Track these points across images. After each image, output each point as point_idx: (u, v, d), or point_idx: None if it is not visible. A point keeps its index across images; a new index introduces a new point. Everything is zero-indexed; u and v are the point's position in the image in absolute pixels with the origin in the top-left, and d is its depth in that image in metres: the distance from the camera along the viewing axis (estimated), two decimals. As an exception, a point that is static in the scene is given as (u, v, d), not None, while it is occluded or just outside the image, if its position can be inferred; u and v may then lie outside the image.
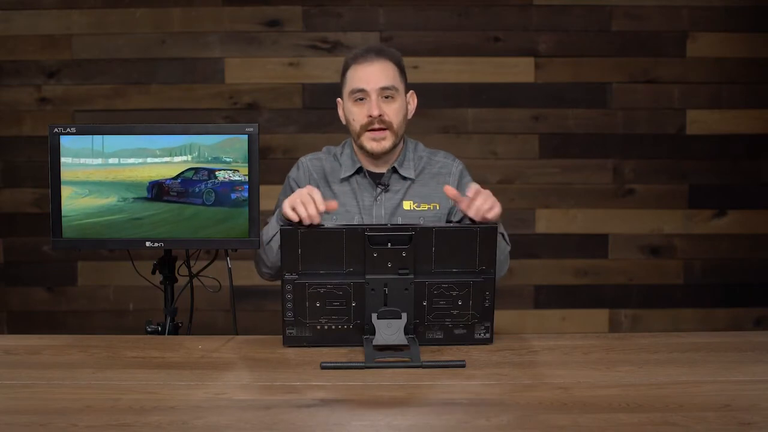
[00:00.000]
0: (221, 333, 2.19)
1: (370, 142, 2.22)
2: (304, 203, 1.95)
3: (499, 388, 1.68)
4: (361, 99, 2.21)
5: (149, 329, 2.25)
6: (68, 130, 2.19)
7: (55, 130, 2.19)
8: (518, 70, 3.54)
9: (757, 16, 3.52)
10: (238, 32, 3.52)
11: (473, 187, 2.00)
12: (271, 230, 2.20)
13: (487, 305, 1.94)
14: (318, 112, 3.54)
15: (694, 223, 3.58)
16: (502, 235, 2.20)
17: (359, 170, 2.30)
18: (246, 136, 2.19)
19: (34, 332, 3.40)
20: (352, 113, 2.23)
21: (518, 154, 3.55)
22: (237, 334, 2.18)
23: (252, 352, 1.97)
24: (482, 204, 1.97)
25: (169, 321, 2.27)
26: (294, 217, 1.96)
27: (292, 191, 2.29)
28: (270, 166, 3.40)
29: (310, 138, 3.49)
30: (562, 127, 3.55)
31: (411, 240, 1.90)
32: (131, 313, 3.54)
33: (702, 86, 3.55)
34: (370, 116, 2.20)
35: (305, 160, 2.37)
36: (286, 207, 1.97)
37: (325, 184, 2.31)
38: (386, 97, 2.21)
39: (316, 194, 1.97)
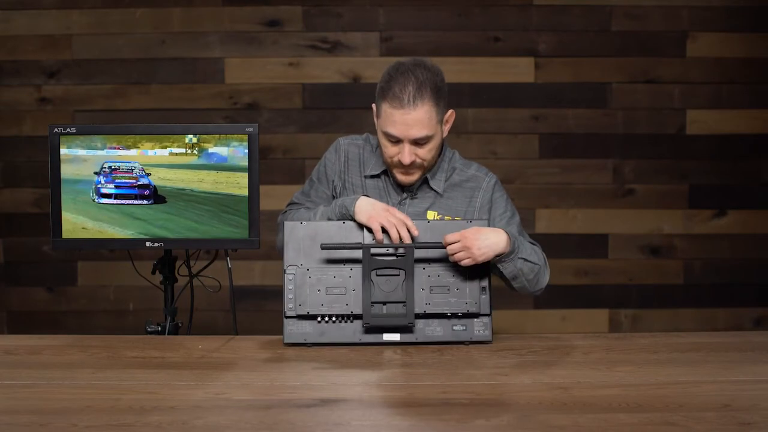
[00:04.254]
0: (221, 333, 2.20)
1: (399, 175, 2.18)
2: (397, 226, 2.01)
3: (499, 388, 1.68)
4: (394, 141, 2.13)
5: (149, 329, 2.25)
6: (68, 130, 2.19)
7: (55, 130, 2.19)
8: (518, 70, 3.54)
9: (757, 16, 3.52)
10: (238, 32, 3.52)
11: (455, 235, 2.00)
12: (319, 216, 2.17)
13: (484, 296, 1.96)
14: (318, 112, 3.54)
15: (694, 223, 3.58)
16: (523, 258, 2.13)
17: (385, 172, 2.25)
18: (246, 136, 2.20)
19: (34, 332, 3.40)
20: (384, 146, 2.16)
21: (518, 154, 3.55)
22: (237, 334, 2.18)
23: (252, 352, 1.97)
24: (454, 250, 1.99)
25: (169, 321, 2.27)
26: (380, 237, 2.01)
27: (325, 171, 2.30)
28: (270, 166, 3.41)
29: (310, 138, 3.49)
30: (562, 127, 3.55)
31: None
32: (131, 313, 3.54)
33: (702, 86, 3.55)
34: (401, 162, 2.13)
35: (344, 143, 2.31)
36: (374, 223, 2.02)
37: (358, 172, 2.27)
38: (420, 142, 2.12)
39: (409, 221, 2.03)
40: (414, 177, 2.18)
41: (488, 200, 2.24)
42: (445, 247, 1.98)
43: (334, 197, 2.26)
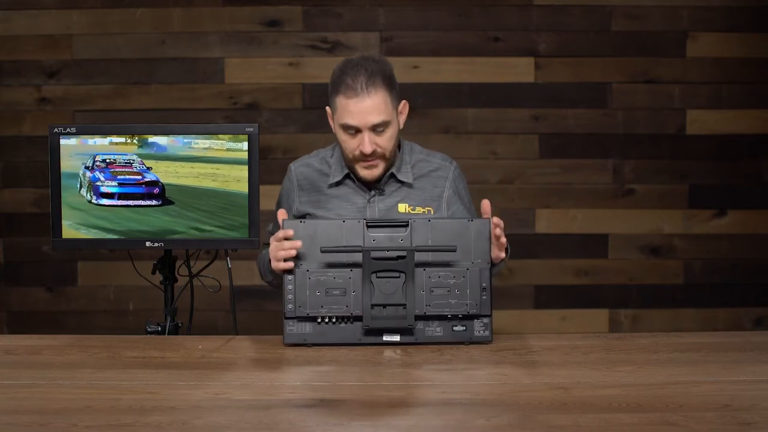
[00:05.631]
0: (221, 333, 2.20)
1: (362, 170, 2.20)
2: (283, 250, 1.96)
3: (499, 388, 1.68)
4: (353, 133, 2.16)
5: (149, 329, 2.25)
6: (68, 130, 2.19)
7: (55, 130, 2.19)
8: (518, 70, 3.53)
9: (757, 16, 3.52)
10: (238, 32, 3.52)
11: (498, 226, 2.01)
12: (268, 274, 2.20)
13: (484, 297, 1.96)
14: (318, 112, 3.52)
15: (694, 223, 3.57)
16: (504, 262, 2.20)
17: (347, 176, 2.28)
18: (246, 136, 2.20)
19: (34, 332, 3.40)
20: (344, 141, 2.19)
21: (518, 154, 3.55)
22: (237, 334, 2.18)
23: (252, 352, 1.98)
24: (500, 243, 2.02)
25: (169, 321, 2.27)
26: (285, 268, 1.97)
27: (286, 200, 2.33)
28: (270, 166, 3.41)
29: (310, 138, 3.49)
30: (562, 127, 3.55)
31: (408, 224, 1.99)
32: (131, 313, 3.54)
33: (702, 86, 3.54)
34: (363, 152, 2.16)
35: (294, 167, 2.35)
36: (277, 265, 1.98)
37: (314, 190, 2.29)
38: (379, 129, 2.16)
39: (281, 233, 1.98)
40: (377, 171, 2.20)
41: (454, 191, 2.30)
42: (446, 250, 1.98)
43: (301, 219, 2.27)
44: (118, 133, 2.20)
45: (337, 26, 3.53)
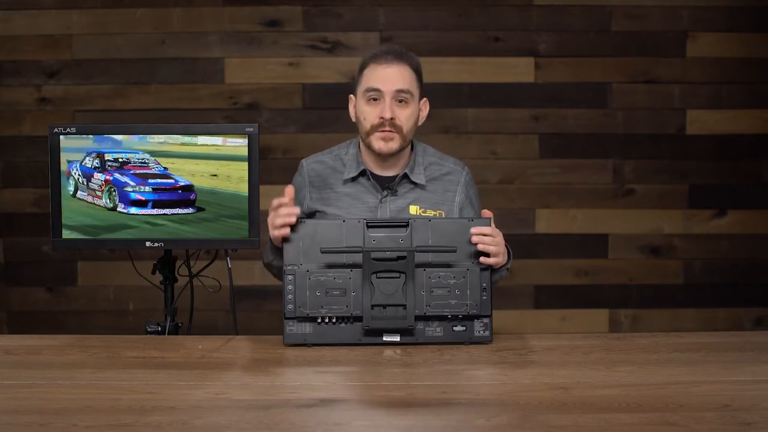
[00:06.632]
0: (221, 333, 2.20)
1: (378, 141, 2.20)
2: (280, 217, 1.97)
3: (499, 388, 1.69)
4: (375, 99, 2.19)
5: (149, 329, 2.25)
6: (68, 130, 2.19)
7: (55, 130, 2.19)
8: (518, 70, 3.53)
9: (757, 16, 3.52)
10: (238, 32, 3.52)
11: (487, 229, 2.00)
12: (269, 253, 2.21)
13: (485, 297, 1.96)
14: (318, 112, 3.54)
15: (694, 223, 3.58)
16: (507, 268, 2.19)
17: (363, 172, 2.28)
18: (246, 136, 2.20)
19: (34, 332, 3.40)
20: (364, 112, 2.21)
21: (518, 154, 3.55)
22: (237, 334, 2.19)
23: (252, 352, 1.98)
24: (489, 243, 1.98)
25: (169, 321, 2.27)
26: (282, 235, 1.98)
27: (295, 198, 2.31)
28: (270, 166, 3.41)
29: (311, 138, 3.49)
30: (562, 127, 3.55)
31: (408, 224, 1.99)
32: (131, 313, 3.54)
33: (702, 86, 3.55)
34: (382, 118, 2.18)
35: (306, 163, 2.35)
36: (274, 233, 2.00)
37: (325, 187, 2.29)
38: (400, 101, 2.19)
39: (276, 201, 1.99)
40: (393, 144, 2.21)
41: (466, 196, 2.31)
42: (446, 250, 1.98)
43: (309, 216, 2.28)
44: (118, 133, 2.20)
45: (337, 26, 3.53)
